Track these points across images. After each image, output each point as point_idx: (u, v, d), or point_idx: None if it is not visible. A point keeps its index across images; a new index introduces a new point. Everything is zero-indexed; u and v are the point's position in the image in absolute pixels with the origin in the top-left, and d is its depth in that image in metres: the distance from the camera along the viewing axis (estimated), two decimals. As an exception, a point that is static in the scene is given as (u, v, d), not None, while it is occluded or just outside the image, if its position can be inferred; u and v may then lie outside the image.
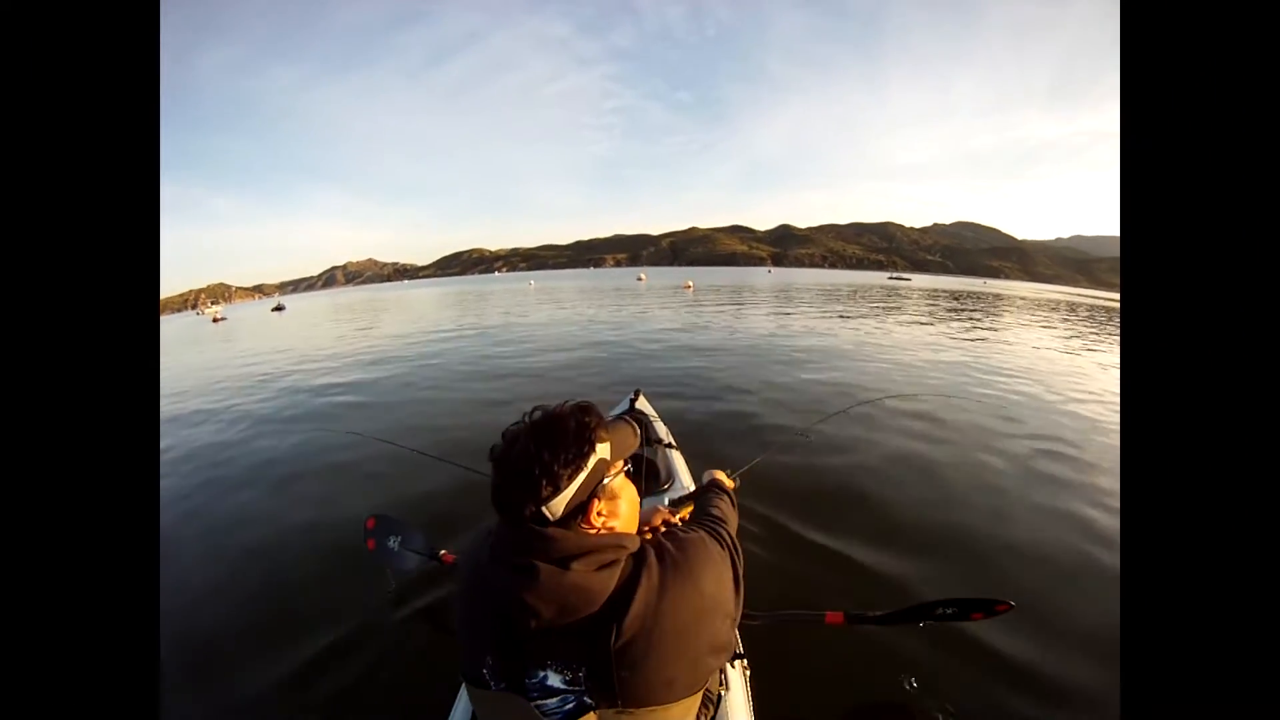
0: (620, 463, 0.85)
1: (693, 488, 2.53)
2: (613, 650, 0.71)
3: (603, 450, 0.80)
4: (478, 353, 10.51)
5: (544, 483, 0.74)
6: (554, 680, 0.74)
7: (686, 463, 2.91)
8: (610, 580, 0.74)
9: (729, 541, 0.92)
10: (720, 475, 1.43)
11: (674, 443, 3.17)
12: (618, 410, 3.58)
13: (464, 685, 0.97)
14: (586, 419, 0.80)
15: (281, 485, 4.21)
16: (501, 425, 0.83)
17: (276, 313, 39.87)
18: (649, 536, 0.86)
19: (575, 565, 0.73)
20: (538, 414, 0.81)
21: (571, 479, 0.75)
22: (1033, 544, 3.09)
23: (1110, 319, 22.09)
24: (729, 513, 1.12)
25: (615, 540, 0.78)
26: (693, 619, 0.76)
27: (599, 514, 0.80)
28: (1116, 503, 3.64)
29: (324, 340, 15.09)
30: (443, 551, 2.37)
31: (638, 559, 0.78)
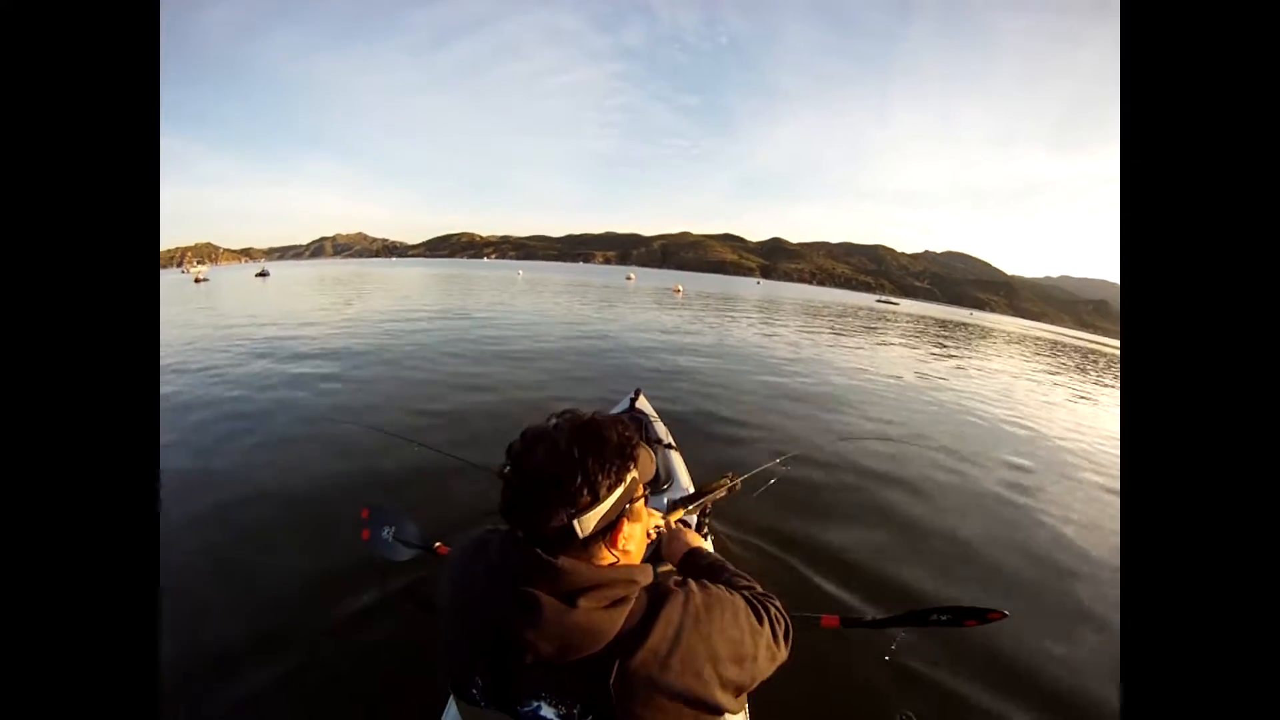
0: (642, 488, 0.80)
1: (692, 489, 2.53)
2: (613, 691, 0.66)
3: (635, 471, 0.76)
4: (461, 337, 10.45)
5: (585, 492, 0.69)
6: (547, 712, 0.70)
7: (686, 464, 2.93)
8: (618, 618, 0.68)
9: (771, 618, 0.82)
10: (695, 539, 1.22)
11: (674, 443, 3.17)
12: (618, 409, 3.56)
13: (452, 697, 0.93)
14: (628, 434, 0.76)
15: (254, 459, 4.12)
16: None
17: (260, 278, 39.09)
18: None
19: (582, 602, 0.68)
20: (568, 416, 0.76)
21: (610, 491, 0.71)
22: (1023, 560, 3.24)
23: (1091, 360, 22.64)
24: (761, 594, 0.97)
25: (627, 575, 0.72)
26: (697, 679, 0.69)
27: (625, 537, 0.75)
28: (1104, 522, 3.82)
29: (305, 311, 14.85)
30: (438, 544, 2.32)
31: (653, 596, 0.73)
